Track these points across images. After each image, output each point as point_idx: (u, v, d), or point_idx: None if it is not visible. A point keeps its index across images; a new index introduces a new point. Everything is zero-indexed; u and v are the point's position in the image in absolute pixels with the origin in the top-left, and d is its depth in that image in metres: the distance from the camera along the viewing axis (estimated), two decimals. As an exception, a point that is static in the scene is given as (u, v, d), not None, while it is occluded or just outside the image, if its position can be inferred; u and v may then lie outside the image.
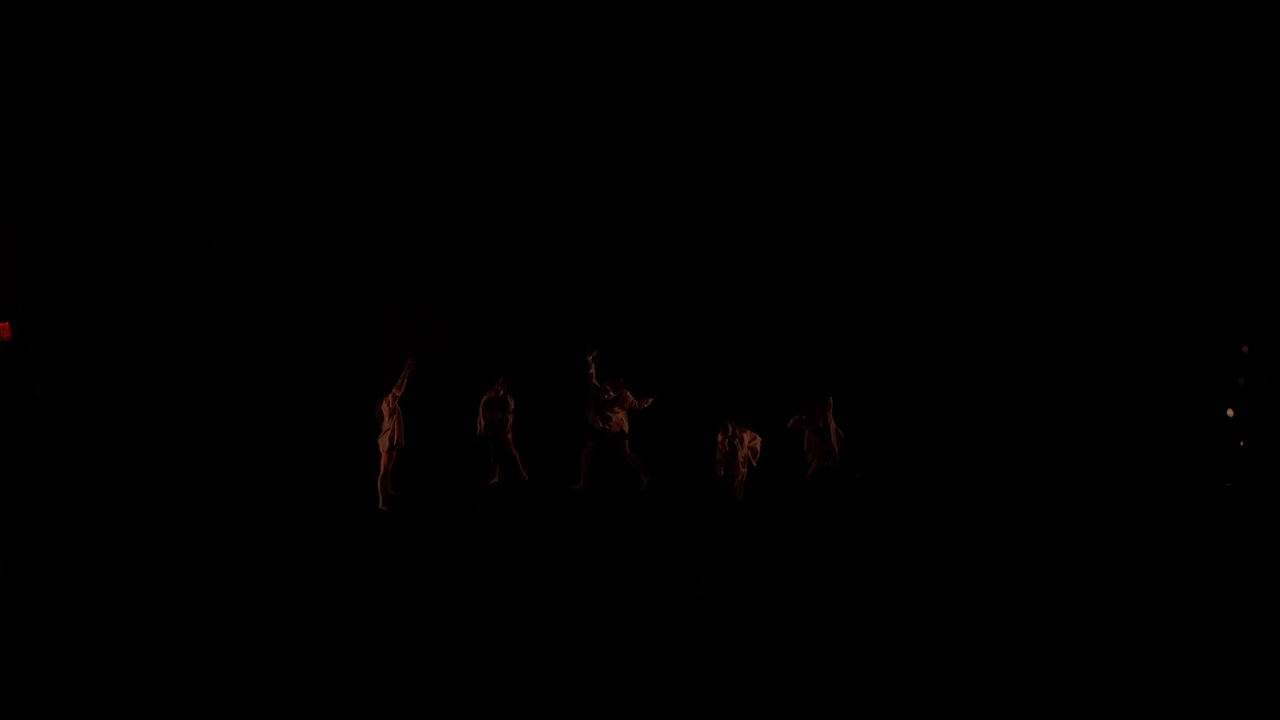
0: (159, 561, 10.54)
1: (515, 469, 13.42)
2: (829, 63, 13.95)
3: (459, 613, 9.40)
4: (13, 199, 12.51)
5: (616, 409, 13.06)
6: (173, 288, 13.46)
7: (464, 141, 15.04)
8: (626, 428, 13.18)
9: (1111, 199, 15.34)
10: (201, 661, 8.42)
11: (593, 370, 13.03)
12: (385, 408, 12.26)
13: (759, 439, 13.21)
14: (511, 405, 13.23)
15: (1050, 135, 14.94)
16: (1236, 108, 14.00)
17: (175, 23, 12.27)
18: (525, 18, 13.52)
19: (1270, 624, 9.44)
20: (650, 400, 13.26)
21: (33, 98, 12.39)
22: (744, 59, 14.10)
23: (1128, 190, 15.15)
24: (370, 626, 9.12)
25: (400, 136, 14.59)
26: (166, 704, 7.82)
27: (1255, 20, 12.95)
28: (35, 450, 12.34)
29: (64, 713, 7.75)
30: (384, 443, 12.27)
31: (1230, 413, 14.37)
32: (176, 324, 13.48)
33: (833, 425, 13.30)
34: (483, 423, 13.29)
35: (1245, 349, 14.59)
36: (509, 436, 13.29)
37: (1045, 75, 14.05)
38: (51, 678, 8.14)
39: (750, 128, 15.00)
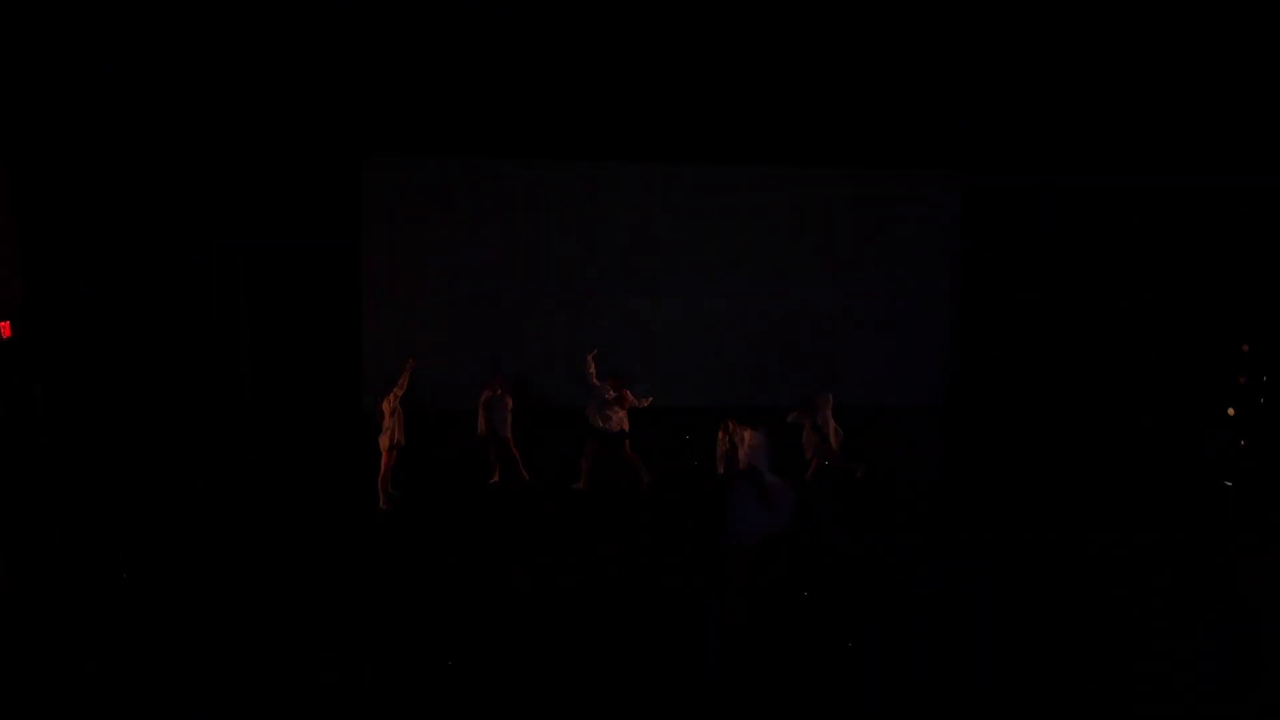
0: (159, 561, 10.54)
1: (515, 469, 13.44)
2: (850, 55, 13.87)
3: (459, 612, 9.40)
4: (13, 199, 12.53)
5: (616, 408, 13.06)
6: (173, 287, 13.48)
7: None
8: (626, 427, 13.19)
9: (1112, 199, 15.36)
10: (202, 662, 8.42)
11: (593, 370, 13.04)
12: (386, 406, 12.26)
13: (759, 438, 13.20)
14: (510, 405, 13.25)
15: (1051, 135, 14.97)
16: (1236, 107, 14.02)
17: (175, 22, 12.29)
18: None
19: (1270, 623, 9.45)
20: (650, 400, 13.27)
21: (33, 98, 12.42)
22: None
23: (1128, 190, 15.17)
24: (370, 626, 9.11)
25: (399, 129, 14.63)
26: (166, 704, 7.81)
27: (1257, 21, 12.98)
28: (35, 450, 12.35)
29: (64, 713, 7.74)
30: (384, 442, 12.27)
31: (1230, 412, 14.38)
32: (177, 323, 13.50)
33: (832, 423, 13.30)
34: (483, 423, 13.32)
35: (1245, 349, 14.61)
36: (509, 436, 13.31)
37: (1043, 75, 14.08)
38: (51, 678, 8.14)
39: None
